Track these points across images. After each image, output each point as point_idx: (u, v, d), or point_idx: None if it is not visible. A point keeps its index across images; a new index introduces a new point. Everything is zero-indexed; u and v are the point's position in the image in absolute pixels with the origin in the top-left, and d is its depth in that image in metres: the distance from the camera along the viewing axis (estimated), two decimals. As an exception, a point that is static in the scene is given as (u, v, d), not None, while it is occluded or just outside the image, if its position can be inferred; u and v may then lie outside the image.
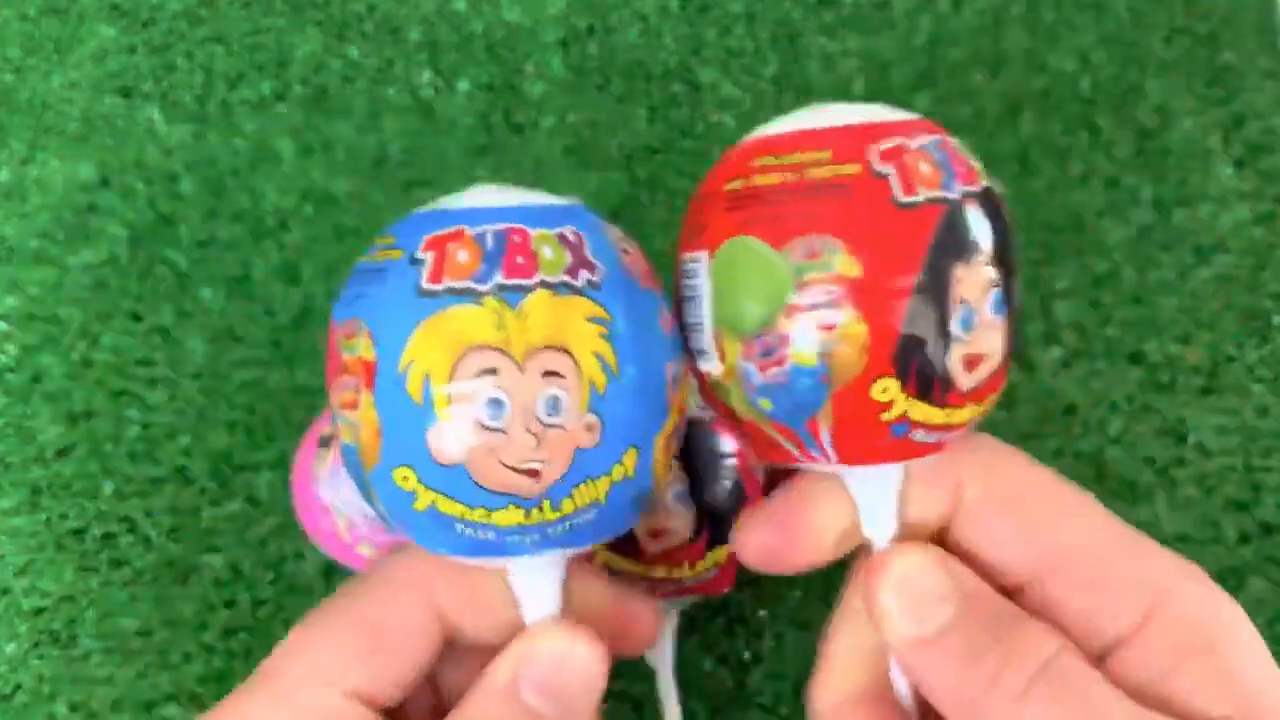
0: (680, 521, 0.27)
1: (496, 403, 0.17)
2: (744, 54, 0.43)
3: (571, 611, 0.20)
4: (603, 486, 0.18)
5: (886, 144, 0.19)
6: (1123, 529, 0.19)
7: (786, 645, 0.32)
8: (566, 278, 0.18)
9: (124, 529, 0.33)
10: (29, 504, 0.34)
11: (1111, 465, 0.35)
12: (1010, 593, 0.19)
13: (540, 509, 0.18)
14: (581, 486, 0.18)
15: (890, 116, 0.20)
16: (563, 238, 0.19)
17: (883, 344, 0.18)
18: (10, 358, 0.36)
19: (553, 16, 0.44)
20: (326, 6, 0.44)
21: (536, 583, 0.20)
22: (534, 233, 0.18)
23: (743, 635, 0.32)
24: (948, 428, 0.19)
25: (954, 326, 0.18)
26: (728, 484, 0.28)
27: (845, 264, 0.18)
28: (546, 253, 0.18)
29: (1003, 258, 0.19)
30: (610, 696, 0.31)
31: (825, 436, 0.19)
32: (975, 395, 0.19)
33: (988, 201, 0.19)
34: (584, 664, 0.19)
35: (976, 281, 0.18)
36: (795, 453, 0.20)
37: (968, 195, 0.19)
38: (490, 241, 0.18)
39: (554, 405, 0.18)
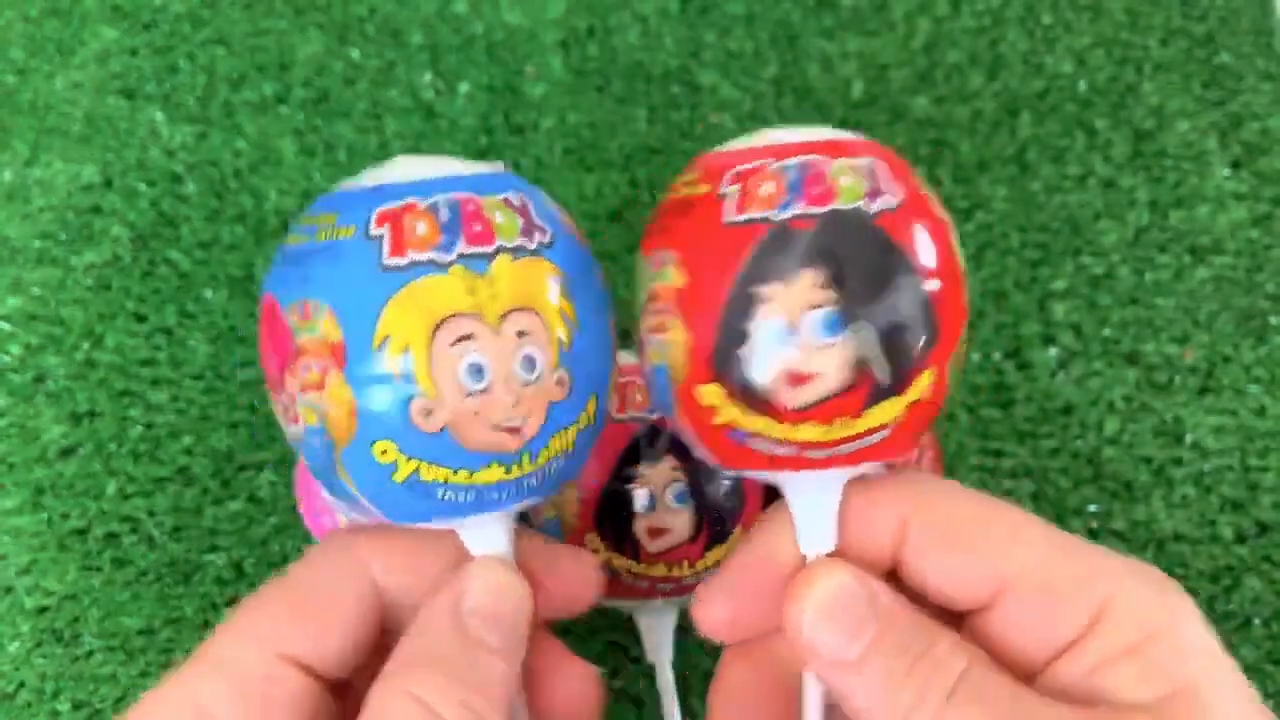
0: (680, 521, 0.27)
1: (477, 367, 0.18)
2: (743, 56, 0.44)
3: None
4: (571, 435, 0.20)
5: (746, 166, 0.20)
6: (1069, 542, 0.19)
7: (786, 644, 0.33)
8: (523, 240, 0.19)
9: (127, 528, 0.34)
10: (32, 504, 0.34)
11: (1108, 465, 0.35)
12: (961, 617, 0.19)
13: (520, 464, 0.19)
14: (555, 438, 0.19)
15: (816, 137, 0.20)
16: (508, 202, 0.19)
17: (701, 352, 0.19)
18: (13, 358, 0.36)
19: (553, 19, 0.44)
20: (328, 9, 0.44)
21: (489, 537, 0.21)
22: (483, 200, 0.19)
23: (742, 634, 0.33)
24: (796, 444, 0.19)
25: (765, 341, 0.19)
26: (727, 484, 0.28)
27: (676, 276, 0.20)
28: (499, 219, 0.19)
29: (846, 280, 0.18)
30: (610, 694, 0.32)
31: (691, 438, 0.21)
32: (817, 415, 0.19)
33: (838, 224, 0.19)
34: (520, 598, 0.20)
35: (796, 301, 0.18)
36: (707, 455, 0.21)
37: (806, 217, 0.19)
38: (444, 213, 0.18)
39: (530, 364, 0.19)
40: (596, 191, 0.40)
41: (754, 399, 0.19)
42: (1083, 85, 0.43)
